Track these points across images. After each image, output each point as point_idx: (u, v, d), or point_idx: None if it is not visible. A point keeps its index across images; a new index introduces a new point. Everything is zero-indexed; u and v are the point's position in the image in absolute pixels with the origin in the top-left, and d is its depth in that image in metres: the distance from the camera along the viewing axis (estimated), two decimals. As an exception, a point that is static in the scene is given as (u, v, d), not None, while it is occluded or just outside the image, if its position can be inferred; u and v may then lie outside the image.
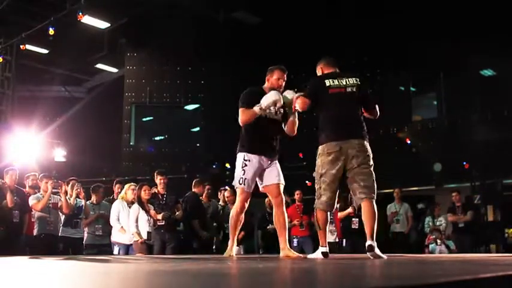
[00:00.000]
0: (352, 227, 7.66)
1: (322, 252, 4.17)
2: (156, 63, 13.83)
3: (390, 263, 3.54)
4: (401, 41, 10.91)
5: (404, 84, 13.16)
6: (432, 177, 11.18)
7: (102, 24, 12.41)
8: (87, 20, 11.06)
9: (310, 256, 4.46)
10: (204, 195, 7.78)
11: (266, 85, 4.59)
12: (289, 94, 4.41)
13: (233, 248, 4.77)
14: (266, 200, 7.80)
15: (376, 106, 4.27)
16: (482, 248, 9.63)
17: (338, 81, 4.13)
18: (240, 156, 4.50)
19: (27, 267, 3.31)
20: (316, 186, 4.18)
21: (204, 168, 12.76)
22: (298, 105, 4.21)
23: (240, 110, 4.47)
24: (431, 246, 8.75)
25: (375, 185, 4.04)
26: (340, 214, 7.81)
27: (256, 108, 4.37)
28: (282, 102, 4.33)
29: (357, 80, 4.16)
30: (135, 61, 13.93)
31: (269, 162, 4.51)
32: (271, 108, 4.37)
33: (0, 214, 6.58)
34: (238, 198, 4.61)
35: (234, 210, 4.67)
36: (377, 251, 3.89)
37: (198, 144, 13.92)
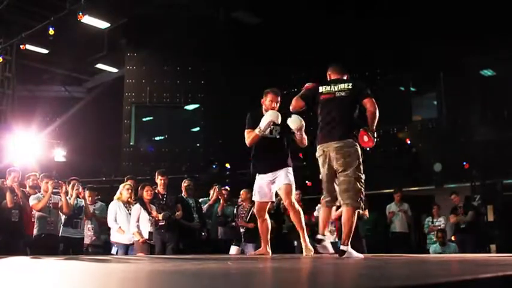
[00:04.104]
0: None
1: (317, 239, 4.44)
2: (156, 63, 13.82)
3: (391, 263, 3.54)
4: (402, 41, 10.90)
5: (404, 84, 13.15)
6: (432, 177, 11.17)
7: (102, 24, 12.41)
8: (87, 20, 11.06)
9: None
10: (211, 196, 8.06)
11: (263, 108, 5.00)
12: (294, 121, 4.73)
13: (266, 249, 5.16)
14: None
15: (369, 101, 4.16)
16: (483, 248, 9.62)
17: (331, 87, 4.30)
18: None
19: (29, 267, 3.31)
20: None
21: (204, 168, 12.76)
22: (291, 105, 4.56)
23: (245, 132, 4.93)
24: (430, 246, 8.75)
25: (357, 189, 4.10)
26: (335, 214, 7.75)
27: (256, 131, 4.80)
28: (279, 120, 4.73)
29: (348, 85, 4.25)
30: (135, 61, 13.92)
31: (274, 174, 4.93)
32: (270, 128, 4.81)
33: (0, 214, 6.58)
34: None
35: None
36: (349, 254, 4.10)
37: (198, 144, 13.92)
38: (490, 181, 10.44)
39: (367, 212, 7.78)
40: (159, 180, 6.92)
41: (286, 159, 4.98)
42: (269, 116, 4.74)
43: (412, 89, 13.16)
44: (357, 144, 4.16)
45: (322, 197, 4.44)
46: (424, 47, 10.50)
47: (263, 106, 4.99)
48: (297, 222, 4.87)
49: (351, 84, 4.24)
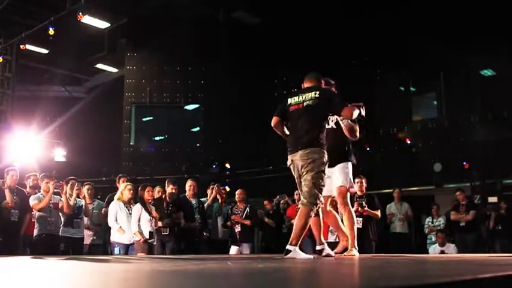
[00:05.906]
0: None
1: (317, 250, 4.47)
2: (156, 63, 13.82)
3: (391, 263, 3.55)
4: (401, 40, 10.91)
5: (404, 84, 13.15)
6: (432, 177, 11.16)
7: (102, 24, 12.42)
8: (87, 20, 11.06)
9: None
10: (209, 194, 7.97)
11: None
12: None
13: (346, 242, 4.76)
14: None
15: (343, 110, 4.20)
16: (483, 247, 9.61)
17: (298, 98, 4.28)
18: None
19: (30, 267, 3.31)
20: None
21: (204, 168, 12.76)
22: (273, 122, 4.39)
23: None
24: (429, 246, 8.74)
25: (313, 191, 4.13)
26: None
27: None
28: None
29: (316, 94, 4.21)
30: (135, 61, 13.93)
31: (329, 169, 4.50)
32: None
33: (0, 214, 6.59)
34: None
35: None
36: (293, 254, 3.99)
37: (198, 144, 13.93)
38: (490, 181, 10.44)
39: (378, 212, 7.64)
40: (169, 189, 6.99)
41: (344, 152, 4.63)
42: None
43: (412, 89, 13.17)
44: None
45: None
46: (424, 46, 10.51)
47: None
48: (348, 223, 4.62)
49: (318, 92, 4.23)
